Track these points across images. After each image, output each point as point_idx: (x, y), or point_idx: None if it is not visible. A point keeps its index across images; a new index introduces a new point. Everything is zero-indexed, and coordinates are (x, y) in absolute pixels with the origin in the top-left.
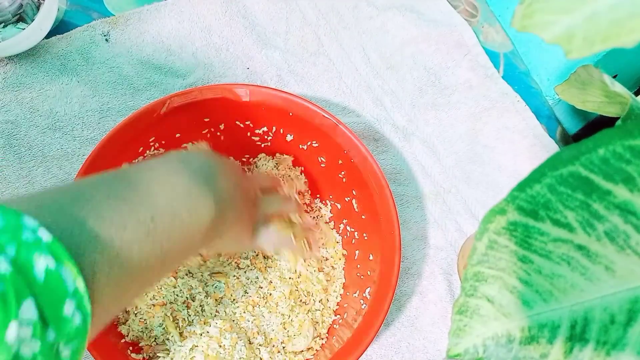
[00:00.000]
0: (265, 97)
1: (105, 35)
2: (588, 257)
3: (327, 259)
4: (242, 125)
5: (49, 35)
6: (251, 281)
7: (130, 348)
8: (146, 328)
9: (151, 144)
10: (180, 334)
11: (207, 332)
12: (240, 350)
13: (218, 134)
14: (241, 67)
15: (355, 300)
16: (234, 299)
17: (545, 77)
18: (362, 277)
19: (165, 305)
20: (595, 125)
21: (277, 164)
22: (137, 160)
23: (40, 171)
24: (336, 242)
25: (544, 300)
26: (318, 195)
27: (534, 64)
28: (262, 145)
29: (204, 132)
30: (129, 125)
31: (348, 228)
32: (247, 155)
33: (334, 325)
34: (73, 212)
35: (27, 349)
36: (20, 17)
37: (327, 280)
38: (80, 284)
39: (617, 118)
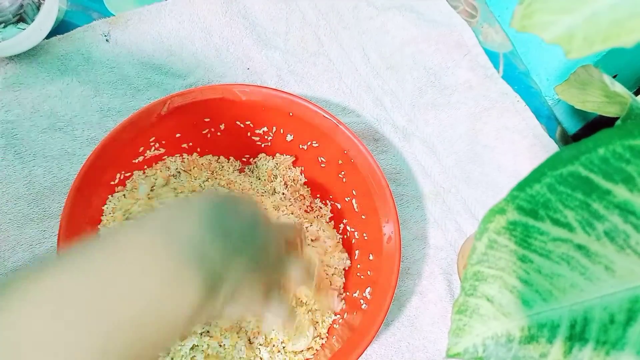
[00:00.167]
0: (266, 97)
1: (105, 36)
2: (588, 257)
3: (328, 266)
4: (242, 125)
5: (50, 35)
6: None
7: None
8: None
9: (151, 144)
10: None
11: (208, 331)
12: (241, 350)
13: (218, 134)
14: (241, 67)
15: (355, 300)
16: None
17: (545, 77)
18: (362, 277)
19: None
20: (594, 125)
21: (277, 164)
22: (137, 160)
23: (40, 171)
24: (337, 242)
25: (544, 299)
26: (318, 195)
27: (534, 64)
28: (262, 145)
29: (204, 132)
30: (130, 126)
31: (348, 228)
32: (247, 155)
33: (334, 325)
34: None
35: None
36: (21, 17)
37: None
38: None
39: (617, 118)
